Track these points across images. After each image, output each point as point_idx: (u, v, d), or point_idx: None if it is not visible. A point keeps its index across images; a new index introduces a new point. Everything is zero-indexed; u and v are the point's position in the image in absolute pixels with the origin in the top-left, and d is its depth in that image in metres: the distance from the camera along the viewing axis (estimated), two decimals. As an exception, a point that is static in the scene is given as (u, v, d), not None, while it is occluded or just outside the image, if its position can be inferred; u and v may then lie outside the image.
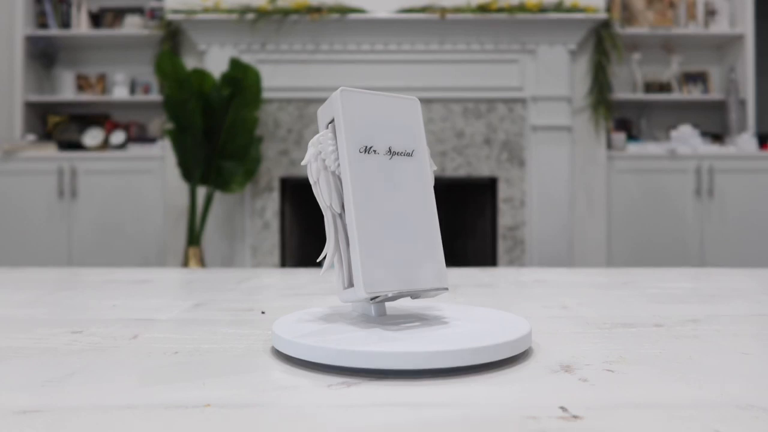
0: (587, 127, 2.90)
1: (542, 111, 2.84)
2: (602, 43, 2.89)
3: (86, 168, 2.90)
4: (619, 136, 2.98)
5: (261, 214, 2.84)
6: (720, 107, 3.25)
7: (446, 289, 0.38)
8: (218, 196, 2.80)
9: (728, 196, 2.88)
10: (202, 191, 2.79)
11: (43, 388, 0.29)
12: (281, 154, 2.84)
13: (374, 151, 0.37)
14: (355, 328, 0.36)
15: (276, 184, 2.85)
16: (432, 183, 0.40)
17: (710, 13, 3.16)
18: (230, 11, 2.77)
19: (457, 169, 2.84)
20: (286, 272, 0.87)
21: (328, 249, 0.37)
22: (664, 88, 3.17)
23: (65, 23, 3.17)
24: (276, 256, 2.84)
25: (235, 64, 2.54)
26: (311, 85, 2.84)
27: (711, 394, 0.28)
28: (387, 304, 0.43)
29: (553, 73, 2.84)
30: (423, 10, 2.78)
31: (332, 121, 0.37)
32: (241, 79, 2.55)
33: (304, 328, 0.37)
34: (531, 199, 2.84)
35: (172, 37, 2.90)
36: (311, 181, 0.38)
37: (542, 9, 2.76)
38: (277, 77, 2.83)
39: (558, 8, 2.77)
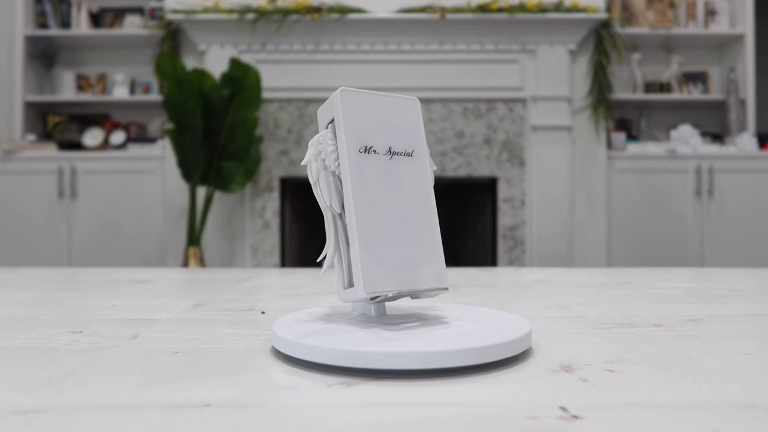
0: (587, 127, 2.90)
1: (542, 111, 2.84)
2: (602, 43, 2.89)
3: (86, 168, 2.90)
4: (619, 136, 2.98)
5: (261, 214, 2.84)
6: (720, 107, 3.25)
7: (446, 289, 0.38)
8: (218, 196, 2.81)
9: (728, 196, 2.88)
10: (202, 191, 2.79)
11: (43, 388, 0.29)
12: (281, 154, 2.84)
13: (374, 151, 0.37)
14: (355, 328, 0.36)
15: (276, 184, 2.85)
16: (432, 183, 0.40)
17: (710, 13, 3.16)
18: (230, 11, 2.77)
19: (457, 169, 2.84)
20: (286, 272, 0.87)
21: (328, 249, 0.37)
22: (664, 88, 3.17)
23: (65, 23, 3.17)
24: (276, 256, 2.84)
25: (235, 64, 2.54)
26: (311, 85, 2.84)
27: (711, 394, 0.28)
28: (387, 304, 0.43)
29: (553, 73, 2.84)
30: (423, 10, 2.78)
31: (332, 121, 0.37)
32: (241, 79, 2.55)
33: (304, 328, 0.37)
34: (531, 199, 2.84)
35: (172, 37, 2.90)
36: (311, 181, 0.38)
37: (542, 9, 2.76)
38: (277, 77, 2.83)
39: (558, 8, 2.77)
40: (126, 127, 3.16)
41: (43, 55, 3.20)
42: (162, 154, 2.91)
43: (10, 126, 3.10)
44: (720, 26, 3.15)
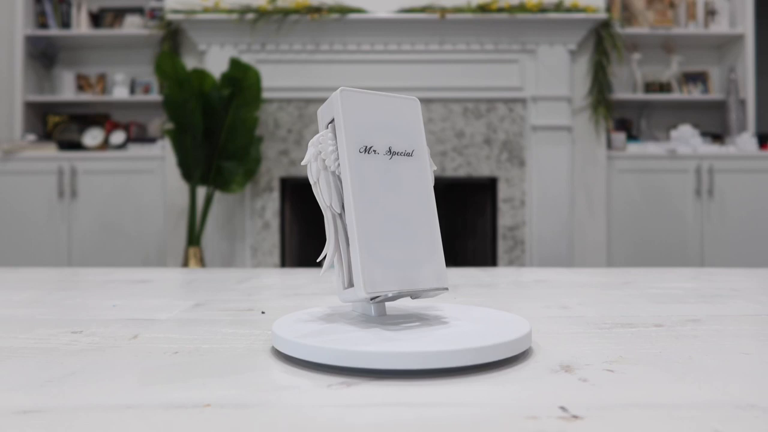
0: (587, 127, 2.90)
1: (542, 111, 2.84)
2: (602, 43, 2.89)
3: (86, 168, 2.90)
4: (619, 136, 2.98)
5: (261, 214, 2.84)
6: (720, 107, 3.25)
7: (446, 289, 0.38)
8: (218, 196, 2.80)
9: (728, 196, 2.88)
10: (202, 191, 2.79)
11: (43, 388, 0.29)
12: (281, 154, 2.84)
13: (374, 151, 0.37)
14: (355, 328, 0.36)
15: (276, 184, 2.85)
16: (432, 183, 0.40)
17: (710, 13, 3.16)
18: (230, 11, 2.77)
19: (457, 169, 2.84)
20: (286, 272, 0.87)
21: (328, 249, 0.37)
22: (664, 88, 3.17)
23: (65, 23, 3.17)
24: (276, 256, 2.84)
25: (235, 64, 2.54)
26: (311, 85, 2.84)
27: (711, 394, 0.28)
28: (387, 304, 0.43)
29: (553, 73, 2.84)
30: (423, 10, 2.78)
31: (332, 121, 0.37)
32: (241, 79, 2.55)
33: (304, 328, 0.37)
34: (531, 199, 2.84)
35: (172, 37, 2.90)
36: (311, 181, 0.38)
37: (542, 9, 2.76)
38: (277, 77, 2.83)
39: (558, 8, 2.77)
40: (126, 127, 3.16)
41: (43, 55, 3.20)
42: (162, 154, 2.91)
43: (10, 126, 3.10)
44: (720, 26, 3.15)
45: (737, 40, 3.16)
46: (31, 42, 3.14)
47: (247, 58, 2.79)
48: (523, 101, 2.85)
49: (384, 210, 0.37)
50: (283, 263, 2.89)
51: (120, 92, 3.14)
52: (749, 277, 0.77)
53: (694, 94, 3.22)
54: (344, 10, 2.76)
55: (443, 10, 2.76)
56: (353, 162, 0.36)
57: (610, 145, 2.97)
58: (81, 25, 3.16)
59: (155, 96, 3.09)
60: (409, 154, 0.39)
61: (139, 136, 3.17)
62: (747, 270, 0.86)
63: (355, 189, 0.36)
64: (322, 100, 2.70)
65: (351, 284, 0.36)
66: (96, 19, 3.26)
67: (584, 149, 2.90)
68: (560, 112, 2.85)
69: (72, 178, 2.89)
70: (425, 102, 2.83)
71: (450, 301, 0.58)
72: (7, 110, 3.11)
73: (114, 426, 0.24)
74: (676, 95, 3.15)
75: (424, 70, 2.85)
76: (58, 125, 3.23)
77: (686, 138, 2.97)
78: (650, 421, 0.24)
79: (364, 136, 0.37)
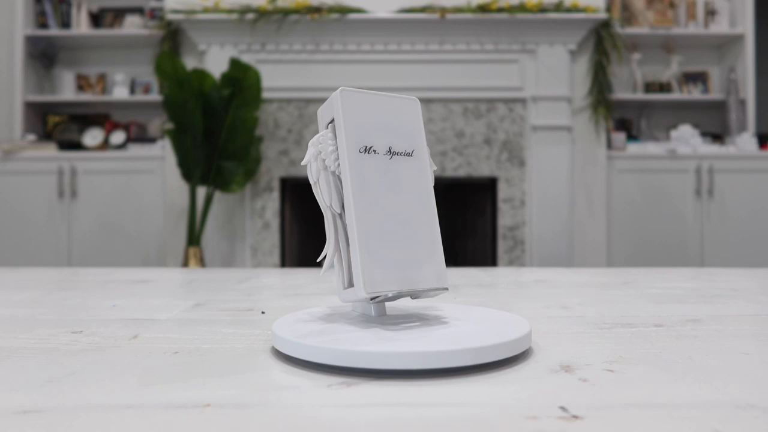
0: (587, 127, 2.90)
1: (542, 111, 2.84)
2: (602, 43, 2.89)
3: (86, 168, 2.90)
4: (619, 136, 2.98)
5: (261, 214, 2.84)
6: (720, 107, 3.25)
7: (446, 289, 0.38)
8: (218, 196, 2.80)
9: (728, 196, 2.88)
10: (202, 191, 2.79)
11: (43, 388, 0.29)
12: (281, 154, 2.84)
13: (374, 151, 0.37)
14: (355, 328, 0.36)
15: (276, 184, 2.85)
16: (432, 183, 0.40)
17: (710, 13, 3.16)
18: (230, 11, 2.77)
19: (457, 169, 2.84)
20: (286, 272, 0.87)
21: (328, 249, 0.37)
22: (664, 88, 3.17)
23: (65, 23, 3.17)
24: (276, 256, 2.84)
25: (235, 64, 2.54)
26: (311, 85, 2.84)
27: (711, 394, 0.28)
28: (387, 304, 0.43)
29: (553, 73, 2.84)
30: (423, 10, 2.78)
31: (332, 121, 0.37)
32: (241, 79, 2.55)
33: (304, 328, 0.37)
34: (531, 199, 2.84)
35: (172, 37, 2.90)
36: (311, 181, 0.38)
37: (542, 9, 2.76)
38: (277, 77, 2.83)
39: (558, 8, 2.77)
40: (126, 127, 3.16)
41: (43, 55, 3.20)
42: (162, 154, 2.91)
43: (10, 126, 3.10)
44: (720, 26, 3.15)
45: (737, 40, 3.16)
46: (31, 42, 3.14)
47: (247, 58, 2.79)
48: (523, 101, 2.85)
49: (384, 210, 0.37)
50: (283, 263, 2.89)
51: (120, 92, 3.14)
52: (749, 277, 0.77)
53: (694, 94, 3.22)
54: (344, 10, 2.76)
55: (443, 10, 2.76)
56: (353, 162, 0.36)
57: (610, 145, 2.97)
58: (81, 25, 3.16)
59: (155, 96, 3.09)
60: (409, 154, 0.39)
61: (139, 136, 3.17)
62: (747, 270, 0.86)
63: (355, 189, 0.36)
64: (322, 100, 2.70)
65: (351, 284, 0.36)
66: (96, 19, 3.26)
67: (584, 149, 2.90)
68: (560, 112, 2.85)
69: (72, 178, 2.89)
70: (425, 102, 2.83)
71: (450, 301, 0.58)
72: (7, 110, 3.11)
73: (114, 426, 0.24)
74: (676, 95, 3.15)
75: (424, 70, 2.85)
76: (58, 125, 3.23)
77: (686, 138, 2.97)
78: (650, 421, 0.24)
79: (364, 136, 0.37)
